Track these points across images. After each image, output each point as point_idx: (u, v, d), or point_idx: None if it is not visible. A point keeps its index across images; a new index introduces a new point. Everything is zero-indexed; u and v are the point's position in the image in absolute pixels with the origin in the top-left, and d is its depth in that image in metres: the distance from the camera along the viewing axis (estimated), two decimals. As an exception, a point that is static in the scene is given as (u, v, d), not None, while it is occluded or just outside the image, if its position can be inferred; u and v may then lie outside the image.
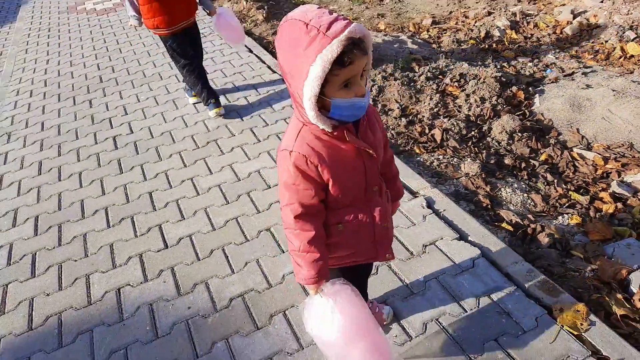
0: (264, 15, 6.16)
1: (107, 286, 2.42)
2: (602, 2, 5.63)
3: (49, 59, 5.63)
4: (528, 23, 5.52)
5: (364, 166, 1.32)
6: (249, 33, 5.69)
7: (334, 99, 1.12)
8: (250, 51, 5.03)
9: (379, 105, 3.84)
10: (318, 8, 1.09)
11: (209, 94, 3.80)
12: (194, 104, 4.11)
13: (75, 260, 2.62)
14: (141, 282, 2.42)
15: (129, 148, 3.63)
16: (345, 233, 1.41)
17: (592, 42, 4.95)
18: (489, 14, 5.92)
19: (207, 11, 3.78)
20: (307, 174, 1.26)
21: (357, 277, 1.66)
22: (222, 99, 4.07)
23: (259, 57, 4.85)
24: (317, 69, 1.04)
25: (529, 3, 6.22)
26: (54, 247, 2.74)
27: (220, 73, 4.64)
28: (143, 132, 3.83)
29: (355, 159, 1.29)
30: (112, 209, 2.98)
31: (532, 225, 2.54)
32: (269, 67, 4.62)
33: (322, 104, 1.14)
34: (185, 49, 3.66)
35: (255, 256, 2.46)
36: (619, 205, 2.72)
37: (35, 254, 2.72)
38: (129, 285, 2.41)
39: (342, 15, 1.11)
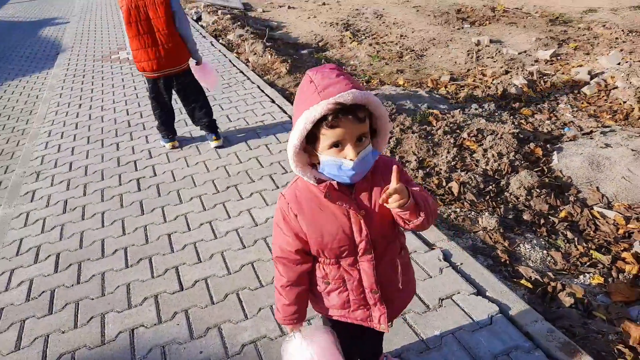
0: (287, 68, 6.41)
1: (122, 326, 2.42)
2: (619, 64, 5.73)
3: (82, 104, 5.89)
4: (545, 82, 5.63)
5: (350, 225, 1.25)
6: (272, 84, 5.91)
7: (322, 154, 1.15)
8: (273, 101, 5.21)
9: (397, 157, 3.90)
10: (332, 69, 1.12)
11: (164, 131, 4.32)
12: (170, 148, 4.42)
13: (92, 299, 2.64)
14: (155, 324, 2.42)
15: (152, 190, 3.72)
16: (331, 290, 1.39)
17: (610, 103, 5.01)
18: (506, 72, 6.06)
19: (195, 61, 4.24)
20: (287, 221, 1.29)
21: (346, 338, 1.53)
22: (243, 146, 4.21)
23: (280, 107, 5.01)
24: (300, 124, 1.09)
25: (545, 63, 6.37)
26: (72, 285, 2.77)
27: (243, 122, 4.79)
28: (166, 175, 3.93)
29: (342, 217, 1.24)
30: (131, 249, 3.02)
31: (553, 284, 2.49)
32: (290, 117, 4.76)
33: (315, 160, 1.18)
34: (159, 95, 4.14)
35: (269, 302, 2.45)
36: (643, 266, 2.67)
37: (54, 290, 2.75)
38: (143, 326, 2.41)
39: (355, 81, 1.16)
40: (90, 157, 4.42)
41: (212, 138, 4.28)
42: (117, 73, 6.97)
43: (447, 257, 2.63)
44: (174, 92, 4.22)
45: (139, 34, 3.75)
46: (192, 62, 4.22)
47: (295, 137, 1.10)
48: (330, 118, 1.07)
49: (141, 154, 4.37)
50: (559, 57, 6.54)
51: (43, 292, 2.75)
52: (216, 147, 4.27)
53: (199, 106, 4.22)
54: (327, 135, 1.09)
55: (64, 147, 4.73)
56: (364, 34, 8.51)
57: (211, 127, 4.28)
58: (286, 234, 1.30)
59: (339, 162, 1.13)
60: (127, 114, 5.35)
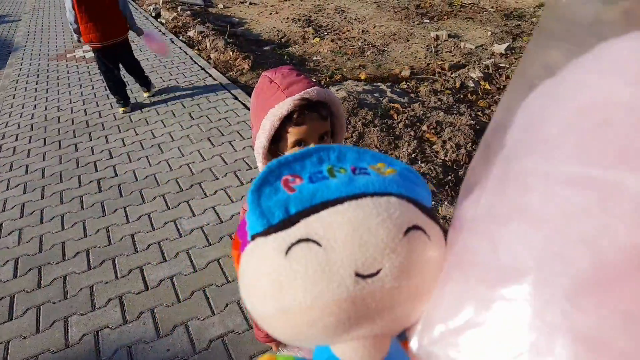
0: (250, 64, 6.39)
1: (86, 329, 2.40)
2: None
3: (36, 104, 5.71)
4: (500, 75, 5.83)
5: None
6: (234, 81, 5.89)
7: (285, 154, 1.17)
8: (236, 98, 5.20)
9: (360, 151, 3.98)
10: (291, 69, 1.15)
11: (119, 96, 5.12)
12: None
13: (54, 303, 2.60)
14: (120, 325, 2.40)
15: (113, 191, 3.67)
16: None
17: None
18: (464, 66, 6.24)
19: (137, 34, 5.08)
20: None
21: None
22: (207, 143, 4.20)
23: (243, 104, 5.01)
24: (267, 123, 1.09)
25: (501, 57, 6.59)
26: (33, 290, 2.72)
27: (206, 119, 4.77)
28: (127, 175, 3.88)
29: None
30: (94, 251, 2.98)
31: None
32: (253, 114, 4.76)
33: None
34: (108, 61, 4.93)
35: (236, 297, 2.48)
36: None
37: (14, 296, 2.69)
38: (108, 327, 2.39)
39: (313, 80, 1.18)
40: (47, 159, 4.30)
41: (144, 90, 5.48)
42: (73, 72, 6.77)
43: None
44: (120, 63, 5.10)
45: (87, 10, 4.55)
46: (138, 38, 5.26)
47: (263, 137, 1.11)
48: (295, 115, 1.08)
49: (101, 154, 4.29)
50: (513, 51, 6.78)
51: (2, 298, 2.69)
52: (148, 96, 5.45)
53: (134, 67, 5.25)
54: (292, 133, 1.10)
55: (19, 149, 4.59)
56: (326, 30, 8.56)
57: (144, 81, 5.41)
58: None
59: None
60: (85, 114, 5.23)
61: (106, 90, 5.62)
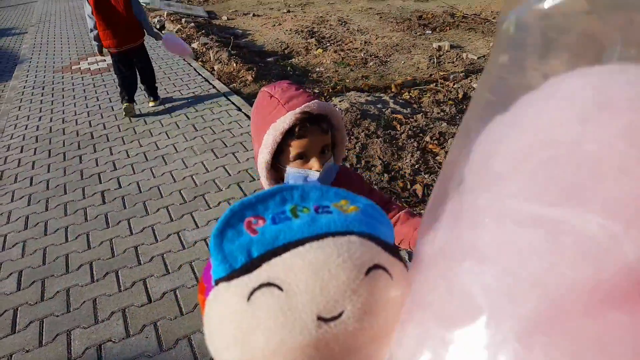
0: (253, 76, 6.43)
1: (89, 342, 2.39)
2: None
3: (42, 116, 5.76)
4: (503, 85, 5.84)
5: None
6: (238, 92, 5.92)
7: (287, 167, 1.16)
8: (239, 109, 5.22)
9: (362, 162, 3.98)
10: (290, 84, 1.17)
11: (126, 94, 5.33)
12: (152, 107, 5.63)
13: (57, 316, 2.60)
14: (123, 338, 2.40)
15: (117, 203, 3.67)
16: None
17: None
18: (467, 76, 6.26)
19: (155, 39, 5.46)
20: None
21: None
22: (210, 155, 4.22)
23: (247, 116, 5.03)
24: (269, 138, 1.10)
25: (504, 67, 6.60)
26: (36, 302, 2.72)
27: (209, 130, 4.79)
28: (131, 187, 3.89)
29: None
30: (97, 264, 2.98)
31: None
32: (257, 125, 4.77)
33: (281, 174, 1.18)
34: (124, 66, 5.21)
35: (240, 310, 2.46)
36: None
37: (17, 309, 2.69)
38: (111, 341, 2.38)
39: (313, 92, 1.20)
40: (52, 171, 4.32)
41: (150, 99, 5.62)
42: (78, 84, 6.83)
43: (411, 257, 2.71)
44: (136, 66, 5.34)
45: (103, 17, 4.82)
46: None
47: (266, 152, 1.11)
48: (297, 129, 1.09)
49: (105, 166, 4.31)
50: (515, 61, 6.79)
51: (5, 311, 2.69)
52: (153, 106, 5.58)
53: (147, 75, 5.47)
54: (293, 147, 1.11)
55: (24, 161, 4.61)
56: (329, 41, 8.61)
57: (151, 89, 5.59)
58: None
59: (305, 174, 1.15)
60: (90, 126, 5.26)
61: (110, 102, 5.67)
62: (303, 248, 0.53)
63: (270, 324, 0.50)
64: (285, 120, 1.08)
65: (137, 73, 5.36)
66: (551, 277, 0.41)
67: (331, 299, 0.50)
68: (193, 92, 5.92)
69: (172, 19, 10.46)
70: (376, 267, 0.54)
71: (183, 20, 10.30)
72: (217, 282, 0.56)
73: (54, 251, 3.17)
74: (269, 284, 0.51)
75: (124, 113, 5.32)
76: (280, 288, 0.51)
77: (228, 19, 11.03)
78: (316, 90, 5.83)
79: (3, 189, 4.13)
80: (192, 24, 9.86)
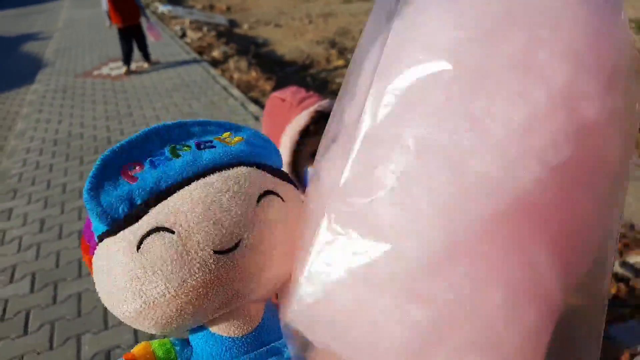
0: (272, 85, 6.46)
1: (98, 347, 2.38)
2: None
3: (61, 120, 5.85)
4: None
5: None
6: (256, 101, 5.94)
7: (307, 167, 1.17)
8: (257, 118, 5.23)
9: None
10: (299, 88, 1.22)
11: (125, 59, 7.39)
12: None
13: (69, 320, 2.60)
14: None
15: (132, 208, 3.69)
16: None
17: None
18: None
19: (146, 20, 7.32)
20: None
21: None
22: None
23: (264, 125, 5.03)
24: (286, 139, 1.12)
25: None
26: (48, 305, 2.73)
27: (225, 138, 4.80)
28: (147, 192, 3.90)
29: None
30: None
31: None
32: (273, 135, 4.77)
33: (297, 177, 1.18)
34: (124, 37, 7.19)
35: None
36: (622, 286, 2.72)
37: (30, 311, 2.70)
38: (120, 347, 2.37)
39: (321, 96, 1.24)
40: (68, 175, 4.37)
41: (145, 62, 7.63)
42: (98, 89, 6.94)
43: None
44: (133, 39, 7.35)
45: (114, 2, 6.80)
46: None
47: (285, 153, 1.12)
48: (312, 127, 1.11)
49: (122, 171, 4.33)
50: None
51: (18, 312, 2.70)
52: (147, 67, 7.57)
53: (142, 44, 7.45)
54: (309, 145, 1.13)
55: (42, 164, 4.68)
56: (350, 52, 8.62)
57: (145, 55, 7.58)
58: None
59: None
60: (108, 131, 5.32)
61: (129, 108, 5.74)
62: (189, 187, 0.52)
63: (167, 268, 0.49)
64: (300, 120, 1.10)
65: (134, 43, 7.31)
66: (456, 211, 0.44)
67: (226, 232, 0.50)
68: (211, 100, 5.96)
69: (193, 27, 10.60)
70: (267, 192, 0.55)
71: (204, 28, 10.43)
72: (100, 238, 0.54)
73: (67, 255, 3.18)
74: (157, 229, 0.50)
75: (123, 71, 7.41)
76: (171, 231, 0.49)
77: (249, 28, 11.14)
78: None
79: (21, 191, 4.19)
80: (214, 32, 9.98)
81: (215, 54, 8.47)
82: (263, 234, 0.53)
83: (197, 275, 0.49)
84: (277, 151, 0.65)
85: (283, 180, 0.60)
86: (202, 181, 0.53)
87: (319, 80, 7.15)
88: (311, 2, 13.35)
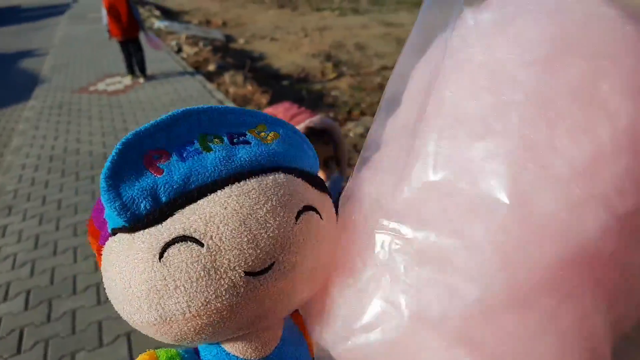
0: (268, 99, 6.48)
1: (92, 366, 2.35)
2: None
3: (57, 136, 5.84)
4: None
5: None
6: (252, 115, 5.96)
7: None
8: (252, 132, 5.24)
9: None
10: (292, 104, 1.25)
11: (128, 68, 7.80)
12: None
13: (63, 337, 2.56)
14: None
15: (127, 223, 3.66)
16: None
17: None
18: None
19: (144, 32, 7.42)
20: None
21: None
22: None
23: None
24: None
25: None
26: (42, 323, 2.69)
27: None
28: (142, 208, 3.88)
29: None
30: (104, 286, 2.95)
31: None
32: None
33: None
34: (124, 50, 7.47)
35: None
36: None
37: (24, 329, 2.66)
38: (115, 365, 2.34)
39: (313, 111, 1.29)
40: (64, 191, 4.35)
41: (141, 75, 7.80)
42: (94, 105, 6.94)
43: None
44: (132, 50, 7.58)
45: (113, 16, 6.90)
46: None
47: None
48: None
49: (118, 186, 4.32)
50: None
51: (12, 330, 2.66)
52: (143, 81, 7.74)
53: (139, 58, 7.65)
54: None
55: (38, 180, 4.66)
56: (345, 66, 8.69)
57: (142, 69, 7.78)
58: None
59: None
60: (104, 146, 5.31)
61: (125, 123, 5.75)
62: (223, 193, 0.46)
63: (191, 285, 0.44)
64: None
65: (132, 56, 7.54)
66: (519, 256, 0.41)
67: (261, 251, 0.45)
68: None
69: (189, 42, 10.66)
70: (306, 208, 0.49)
71: (200, 43, 10.49)
72: (114, 231, 0.48)
73: (62, 272, 3.15)
74: (185, 238, 0.44)
75: (129, 80, 7.79)
76: (199, 243, 0.44)
77: (245, 42, 11.22)
78: (331, 115, 5.85)
79: (16, 207, 4.16)
80: (209, 47, 10.03)
81: (211, 68, 8.51)
82: (298, 257, 0.48)
83: (223, 298, 0.45)
84: (314, 152, 0.58)
85: (321, 191, 0.54)
86: (237, 187, 0.46)
87: (315, 93, 7.18)
88: (307, 15, 13.48)
